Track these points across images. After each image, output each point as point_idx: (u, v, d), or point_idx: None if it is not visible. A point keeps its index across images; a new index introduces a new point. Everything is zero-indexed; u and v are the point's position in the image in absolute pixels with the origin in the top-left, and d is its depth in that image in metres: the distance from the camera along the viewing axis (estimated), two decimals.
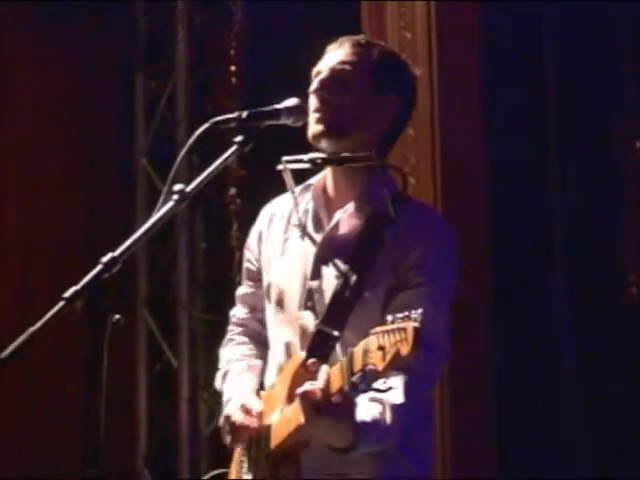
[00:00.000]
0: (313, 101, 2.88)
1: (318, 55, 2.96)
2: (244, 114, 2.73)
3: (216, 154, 2.70)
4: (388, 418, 2.65)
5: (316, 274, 2.86)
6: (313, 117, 2.86)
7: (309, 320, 2.84)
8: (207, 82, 6.18)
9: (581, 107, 4.95)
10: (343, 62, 2.88)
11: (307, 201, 2.97)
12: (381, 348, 2.38)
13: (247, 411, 2.83)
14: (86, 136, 6.21)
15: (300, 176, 2.99)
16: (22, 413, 5.94)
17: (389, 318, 2.40)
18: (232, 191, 5.99)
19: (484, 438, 4.46)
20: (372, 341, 2.42)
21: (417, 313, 2.36)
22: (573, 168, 5.00)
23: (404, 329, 2.34)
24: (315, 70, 2.94)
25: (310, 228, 2.92)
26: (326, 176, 2.97)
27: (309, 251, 2.89)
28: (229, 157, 2.69)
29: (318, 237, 2.90)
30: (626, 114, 4.96)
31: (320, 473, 2.76)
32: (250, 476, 2.88)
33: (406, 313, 2.37)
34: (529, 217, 4.91)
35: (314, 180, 2.99)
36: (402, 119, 2.97)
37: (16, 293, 5.92)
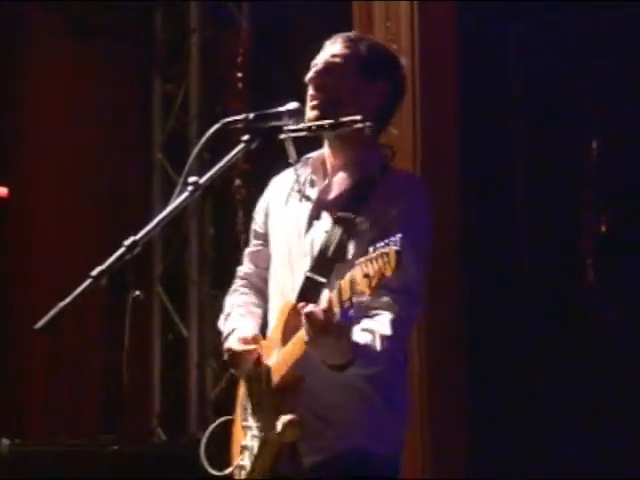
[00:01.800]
0: (309, 89, 2.89)
1: (315, 55, 2.97)
2: (251, 116, 2.73)
3: (225, 150, 2.70)
4: (378, 345, 2.67)
5: (310, 227, 2.87)
6: (309, 104, 2.86)
7: (304, 268, 2.83)
8: (217, 86, 6.17)
9: (544, 108, 4.95)
10: (335, 55, 2.89)
11: (307, 173, 2.96)
12: (366, 276, 2.40)
13: (245, 340, 2.85)
14: (109, 133, 6.21)
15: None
16: (48, 380, 5.95)
17: (370, 249, 2.42)
18: (237, 182, 5.99)
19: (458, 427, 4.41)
20: (357, 271, 2.44)
21: (396, 238, 2.38)
22: (536, 163, 4.99)
23: (387, 253, 2.37)
24: (312, 63, 2.93)
25: (308, 190, 2.93)
26: (324, 151, 2.95)
27: (306, 208, 2.90)
28: (238, 153, 2.69)
29: (313, 195, 2.91)
30: (585, 116, 4.97)
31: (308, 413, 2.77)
32: (255, 418, 2.87)
33: (386, 241, 2.39)
34: (496, 203, 4.89)
35: (314, 154, 2.98)
36: (392, 102, 2.97)
37: (50, 271, 5.92)
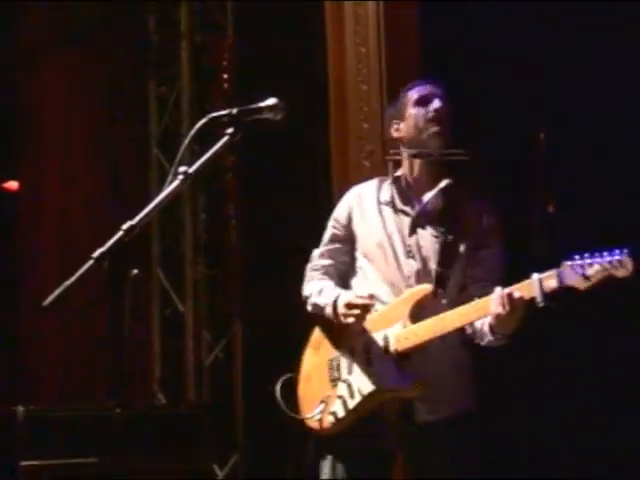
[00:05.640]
0: (433, 126, 3.19)
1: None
2: (234, 110, 2.71)
3: (213, 143, 2.68)
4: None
5: (413, 233, 3.16)
6: (433, 129, 3.18)
7: (412, 265, 3.12)
8: (206, 87, 6.15)
9: (495, 102, 4.92)
10: (445, 101, 3.25)
11: (388, 187, 3.24)
12: (583, 275, 2.78)
13: (362, 297, 3.06)
14: (111, 130, 6.18)
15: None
16: (59, 352, 5.93)
17: (576, 257, 2.80)
18: (227, 173, 5.98)
19: None
20: (567, 270, 2.80)
21: (623, 251, 2.75)
22: (492, 153, 4.97)
23: (619, 261, 2.75)
24: (420, 93, 3.24)
25: (400, 204, 3.20)
26: (407, 172, 3.23)
27: (403, 219, 3.18)
28: (223, 145, 2.68)
29: (408, 209, 3.18)
30: (532, 109, 4.95)
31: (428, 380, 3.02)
32: (359, 372, 3.04)
33: (605, 252, 2.77)
34: None
35: (399, 173, 3.25)
36: None
37: (57, 254, 5.90)
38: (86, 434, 4.65)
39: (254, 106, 2.75)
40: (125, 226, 2.46)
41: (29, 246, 5.91)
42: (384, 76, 4.42)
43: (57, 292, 2.37)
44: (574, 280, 2.81)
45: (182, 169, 2.58)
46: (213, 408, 5.73)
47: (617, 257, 2.77)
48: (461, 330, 3.04)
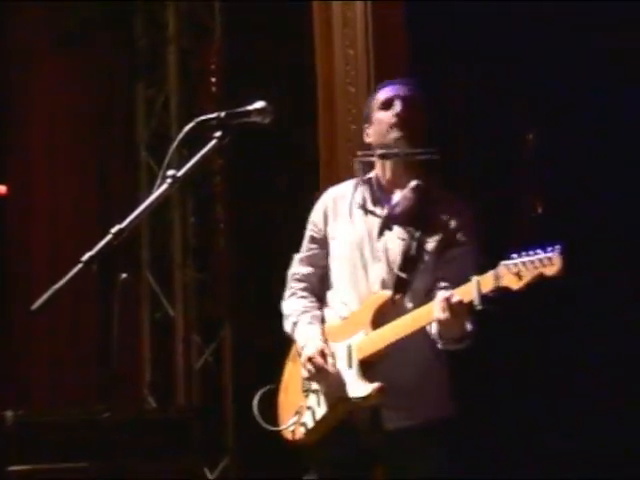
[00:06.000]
0: (392, 118, 3.10)
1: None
2: (222, 114, 2.71)
3: (202, 146, 2.68)
4: (468, 327, 2.90)
5: (381, 236, 3.07)
6: (394, 128, 3.09)
7: (379, 269, 3.04)
8: (193, 90, 6.14)
9: (485, 104, 4.93)
10: (413, 93, 3.16)
11: (363, 189, 3.15)
12: (517, 274, 2.66)
13: (324, 355, 2.99)
14: (99, 133, 6.17)
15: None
16: (49, 356, 5.91)
17: (514, 255, 2.69)
18: (216, 176, 5.97)
19: None
20: (501, 269, 2.70)
21: (555, 247, 2.62)
22: (480, 154, 4.98)
23: (549, 258, 2.62)
24: (384, 97, 3.15)
25: (370, 206, 3.12)
26: (379, 172, 3.15)
27: (373, 221, 3.09)
28: (211, 149, 2.68)
29: (378, 210, 3.10)
30: (522, 113, 4.96)
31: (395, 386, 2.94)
32: (327, 384, 3.00)
33: (537, 250, 2.65)
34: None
35: (371, 175, 3.17)
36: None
37: (46, 257, 5.88)
38: (76, 438, 4.64)
39: (242, 109, 2.74)
40: (114, 230, 2.46)
41: (18, 250, 5.90)
42: (372, 78, 4.42)
43: (46, 296, 2.37)
44: (508, 280, 2.69)
45: (171, 172, 2.58)
46: (203, 412, 5.72)
47: (547, 254, 2.64)
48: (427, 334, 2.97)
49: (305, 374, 3.03)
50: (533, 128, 4.97)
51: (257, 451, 5.57)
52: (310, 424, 3.03)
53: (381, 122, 3.12)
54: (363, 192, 3.15)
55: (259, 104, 2.76)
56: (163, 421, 5.18)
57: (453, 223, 3.04)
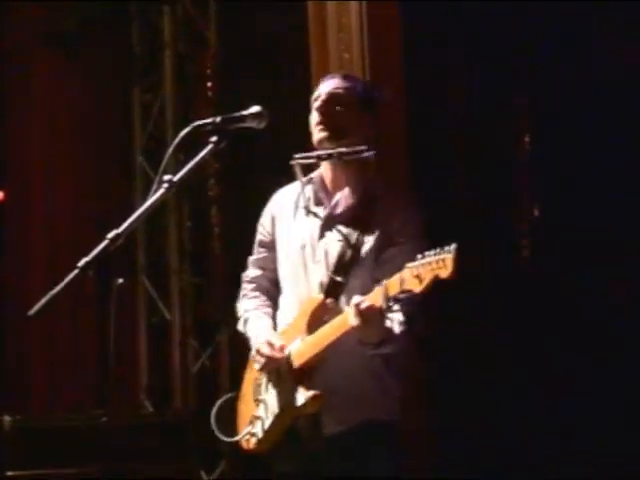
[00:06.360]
0: (316, 117, 3.04)
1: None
2: (218, 119, 2.72)
3: (197, 151, 2.69)
4: (397, 329, 2.88)
5: (322, 237, 3.02)
6: (317, 128, 3.03)
7: (318, 272, 2.99)
8: (189, 95, 6.15)
9: (483, 109, 4.94)
10: (337, 87, 3.07)
11: (309, 189, 3.10)
12: (417, 277, 2.60)
13: (272, 345, 2.95)
14: (95, 138, 6.17)
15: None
16: (46, 362, 5.91)
17: (418, 256, 2.62)
18: (211, 181, 5.98)
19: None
20: (406, 273, 2.64)
21: (451, 247, 2.55)
22: (478, 157, 4.99)
23: (443, 259, 2.55)
24: (314, 95, 3.08)
25: (312, 207, 3.07)
26: (323, 171, 3.09)
27: (315, 222, 3.04)
28: (207, 153, 2.69)
29: (319, 211, 3.05)
30: (519, 115, 4.97)
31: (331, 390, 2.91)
32: (273, 391, 2.98)
33: (438, 250, 2.58)
34: (442, 198, 4.87)
35: (315, 174, 3.11)
36: (375, 130, 3.12)
37: (45, 261, 5.89)
38: (73, 443, 4.64)
39: (237, 114, 2.76)
40: (110, 235, 2.46)
41: (16, 254, 5.89)
42: (366, 60, 4.43)
43: (42, 301, 2.38)
44: (410, 283, 2.63)
45: (167, 177, 2.59)
46: (200, 416, 5.72)
47: (442, 256, 2.57)
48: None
49: (256, 366, 3.01)
50: (530, 130, 4.98)
51: (254, 455, 5.57)
52: (260, 434, 3.00)
53: (312, 121, 3.07)
54: (308, 192, 3.09)
55: (254, 109, 2.78)
56: (160, 425, 5.18)
57: (393, 222, 2.96)
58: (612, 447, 4.35)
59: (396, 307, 2.82)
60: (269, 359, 2.95)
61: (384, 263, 2.91)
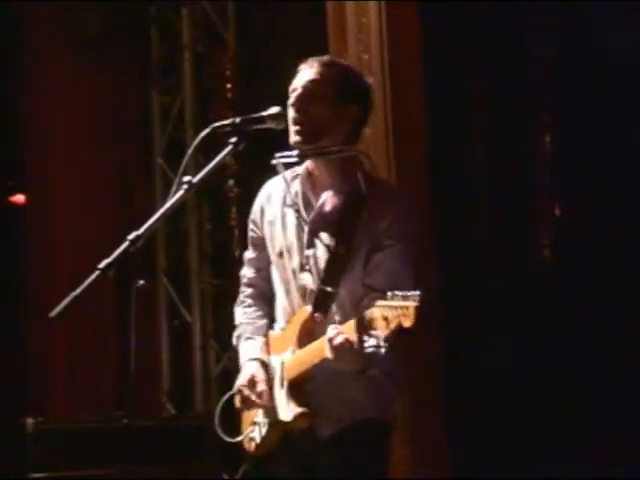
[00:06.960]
0: (291, 113, 2.87)
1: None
2: (237, 120, 2.72)
3: (217, 152, 2.69)
4: (383, 350, 2.69)
5: (310, 244, 2.89)
6: (292, 128, 2.86)
7: (307, 280, 2.88)
8: (208, 97, 6.16)
9: (503, 108, 4.94)
10: (313, 80, 2.88)
11: (296, 185, 2.96)
12: (385, 319, 2.46)
13: (254, 385, 2.89)
14: (116, 141, 6.19)
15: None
16: (69, 364, 5.93)
17: (389, 294, 2.46)
18: (230, 182, 5.99)
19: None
20: (375, 312, 2.50)
21: (415, 294, 2.42)
22: (498, 157, 4.98)
23: (407, 307, 2.41)
24: (291, 87, 2.91)
25: (302, 208, 2.92)
26: (308, 166, 2.96)
27: (302, 228, 2.91)
28: (226, 155, 2.69)
29: (308, 213, 2.91)
30: (542, 115, 4.96)
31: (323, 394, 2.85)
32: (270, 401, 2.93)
33: (405, 293, 2.43)
34: (461, 197, 4.86)
35: (300, 169, 2.97)
36: (362, 121, 2.97)
37: (67, 264, 5.91)
38: (95, 445, 4.66)
39: (257, 115, 2.75)
40: (131, 236, 2.47)
41: (39, 258, 5.92)
42: (387, 83, 4.44)
43: (64, 303, 2.39)
44: (379, 324, 2.48)
45: (186, 179, 2.59)
46: (221, 418, 5.72)
47: (405, 303, 2.40)
48: None
49: (237, 404, 2.95)
50: (551, 129, 4.97)
51: (275, 457, 5.57)
52: (257, 440, 2.97)
53: (288, 117, 2.87)
54: (295, 188, 2.94)
55: (274, 110, 2.77)
56: (181, 428, 5.19)
57: (381, 222, 2.82)
58: (634, 450, 4.34)
59: (371, 341, 2.61)
60: (249, 402, 2.90)
61: (376, 267, 2.79)
